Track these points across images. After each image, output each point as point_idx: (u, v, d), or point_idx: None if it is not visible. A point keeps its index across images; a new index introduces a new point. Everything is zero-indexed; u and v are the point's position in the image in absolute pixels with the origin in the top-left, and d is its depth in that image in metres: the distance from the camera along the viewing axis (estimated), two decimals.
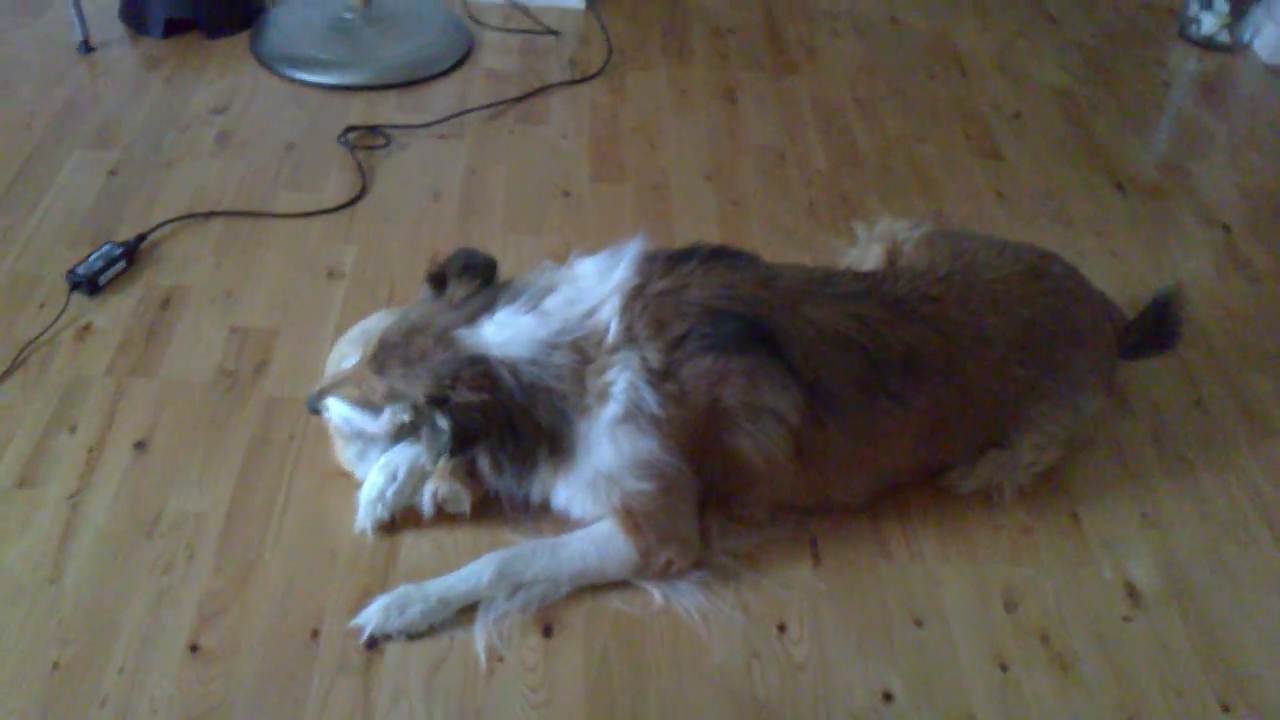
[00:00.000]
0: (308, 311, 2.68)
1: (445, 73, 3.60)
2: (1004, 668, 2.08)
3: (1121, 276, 2.97)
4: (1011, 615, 2.17)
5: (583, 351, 2.06)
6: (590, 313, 2.09)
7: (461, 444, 2.04)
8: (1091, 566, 2.28)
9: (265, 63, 3.56)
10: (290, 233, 2.92)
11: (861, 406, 2.15)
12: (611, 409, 2.05)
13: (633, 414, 2.05)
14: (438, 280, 2.20)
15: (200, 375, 2.50)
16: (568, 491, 2.16)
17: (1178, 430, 2.59)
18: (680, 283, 2.12)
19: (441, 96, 3.50)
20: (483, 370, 2.03)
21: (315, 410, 2.26)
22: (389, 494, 2.20)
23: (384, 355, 2.12)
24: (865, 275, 2.33)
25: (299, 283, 2.77)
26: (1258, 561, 2.32)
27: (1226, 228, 3.24)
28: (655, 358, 2.05)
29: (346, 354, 2.35)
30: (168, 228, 2.89)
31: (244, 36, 3.68)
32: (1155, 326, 2.61)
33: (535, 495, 2.18)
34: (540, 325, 2.07)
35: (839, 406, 2.13)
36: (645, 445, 2.07)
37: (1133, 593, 2.23)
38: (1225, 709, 2.05)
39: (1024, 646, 2.12)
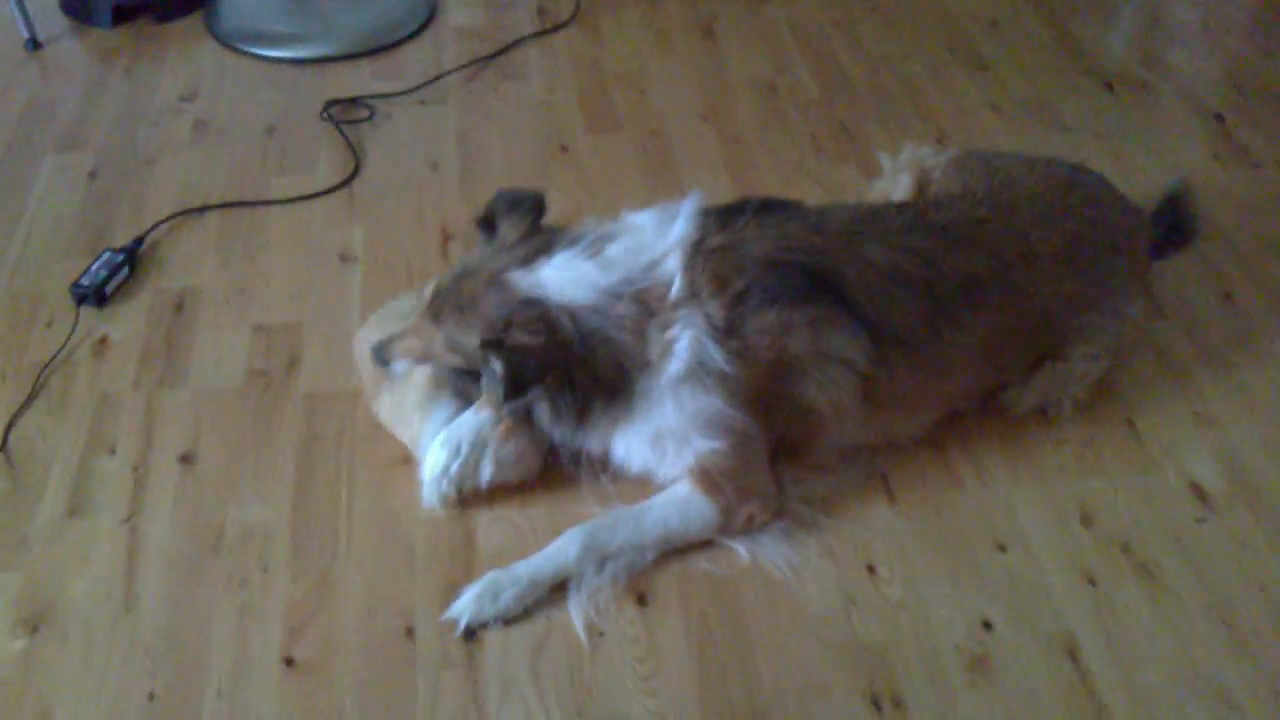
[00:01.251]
0: (328, 300, 2.61)
1: (414, 35, 3.49)
2: (1093, 583, 2.10)
3: (1127, 177, 2.95)
4: (1090, 529, 2.19)
5: (646, 304, 2.02)
6: (653, 265, 2.04)
7: (516, 389, 1.97)
8: (1156, 472, 2.30)
9: (226, 42, 3.42)
10: (291, 219, 2.83)
11: (926, 340, 2.14)
12: (675, 366, 2.01)
13: (697, 372, 2.02)
14: (487, 224, 2.14)
15: (232, 379, 2.42)
16: (626, 445, 2.13)
17: (1212, 326, 2.61)
18: (737, 237, 2.08)
19: (415, 61, 3.39)
20: (539, 313, 1.99)
21: (383, 361, 2.19)
22: (453, 469, 2.15)
23: (439, 302, 2.07)
24: (908, 206, 2.31)
25: (312, 271, 2.69)
26: None
27: (1219, 117, 3.26)
28: (719, 314, 2.02)
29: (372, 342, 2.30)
30: (164, 227, 2.78)
31: (198, 17, 3.54)
32: (1171, 224, 2.64)
33: (593, 447, 2.15)
34: (603, 273, 2.02)
35: (905, 344, 2.12)
36: (711, 403, 2.04)
37: (1200, 493, 2.26)
38: None
39: (1108, 560, 2.14)
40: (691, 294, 2.02)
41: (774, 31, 3.56)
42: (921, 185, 2.48)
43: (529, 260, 2.04)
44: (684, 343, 2.01)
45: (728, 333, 2.01)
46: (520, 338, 1.96)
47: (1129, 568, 2.13)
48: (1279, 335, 2.59)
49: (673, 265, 2.03)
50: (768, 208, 2.15)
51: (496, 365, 1.97)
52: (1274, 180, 3.04)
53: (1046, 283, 2.25)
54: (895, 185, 2.53)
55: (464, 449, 2.16)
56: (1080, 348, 2.34)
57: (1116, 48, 3.56)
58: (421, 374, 2.20)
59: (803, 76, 3.36)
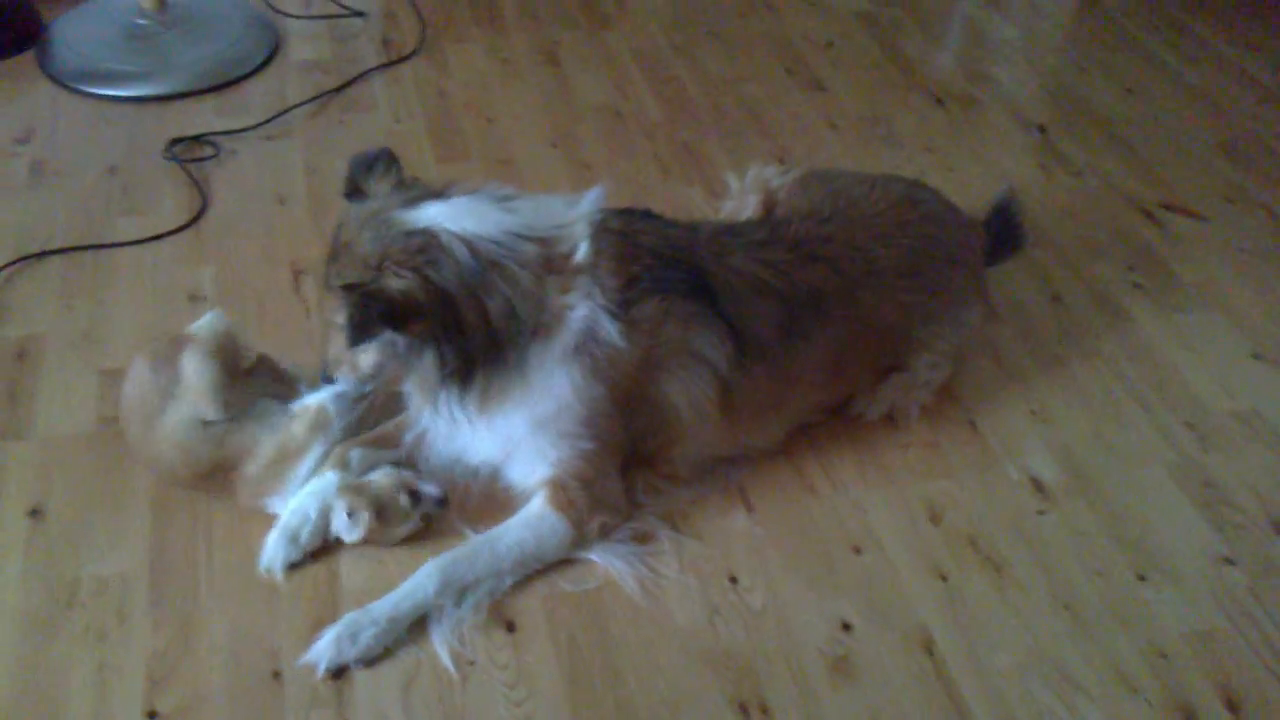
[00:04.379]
0: None
1: (257, 70, 3.45)
2: (944, 578, 2.20)
3: (959, 187, 3.10)
4: (938, 527, 2.29)
5: (550, 257, 2.01)
6: (561, 226, 2.06)
7: (358, 332, 1.89)
8: (998, 469, 2.41)
9: (61, 82, 3.33)
10: (137, 261, 2.77)
11: (780, 349, 2.22)
12: (568, 337, 2.03)
13: (588, 346, 2.04)
14: (354, 192, 2.08)
15: (81, 427, 2.36)
16: (505, 427, 2.09)
17: (1043, 327, 2.76)
18: (632, 229, 2.14)
19: (260, 96, 3.36)
20: (420, 244, 1.92)
21: (328, 379, 2.17)
22: (303, 535, 2.14)
23: (329, 270, 2.01)
24: (763, 223, 2.40)
25: (161, 313, 2.64)
26: (1136, 438, 2.51)
27: (1041, 129, 3.44)
28: (614, 292, 2.05)
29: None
30: (1, 274, 2.69)
31: (29, 57, 3.43)
32: (1002, 231, 2.77)
33: (471, 419, 2.06)
34: (508, 216, 2.00)
35: (761, 352, 2.20)
36: (597, 390, 2.07)
37: (1040, 487, 2.38)
38: (1141, 579, 2.22)
39: (957, 555, 2.24)
40: (594, 265, 2.04)
41: (617, 57, 3.63)
42: (768, 204, 2.57)
43: (413, 202, 1.99)
44: (581, 312, 2.02)
45: (620, 310, 2.05)
46: (387, 281, 1.89)
47: (977, 561, 2.23)
48: (1104, 333, 2.75)
49: (580, 232, 2.05)
50: (648, 213, 2.23)
51: (341, 312, 1.92)
52: (1094, 187, 3.22)
53: (888, 296, 2.35)
54: (743, 205, 2.62)
55: (313, 516, 2.15)
56: (923, 357, 2.45)
57: (944, 65, 3.73)
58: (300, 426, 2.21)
59: (646, 101, 3.44)
